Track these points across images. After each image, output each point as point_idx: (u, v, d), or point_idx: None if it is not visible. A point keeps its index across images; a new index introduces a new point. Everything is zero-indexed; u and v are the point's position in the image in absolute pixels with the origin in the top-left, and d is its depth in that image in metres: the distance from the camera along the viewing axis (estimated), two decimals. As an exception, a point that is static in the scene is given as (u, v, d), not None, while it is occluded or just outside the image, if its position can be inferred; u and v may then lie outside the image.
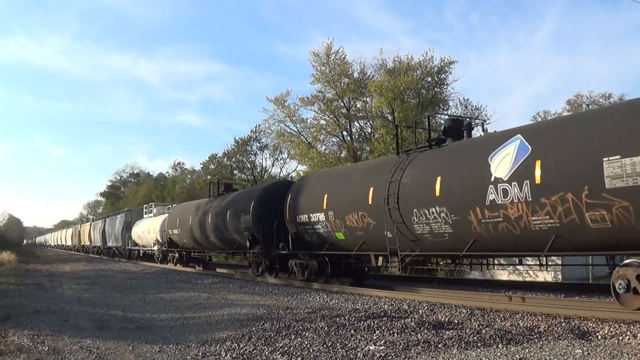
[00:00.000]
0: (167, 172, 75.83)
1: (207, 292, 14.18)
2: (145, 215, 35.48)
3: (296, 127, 33.47)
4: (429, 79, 29.87)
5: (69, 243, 70.62)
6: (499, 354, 5.95)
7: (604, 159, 7.98)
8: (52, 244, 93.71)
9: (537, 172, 8.90)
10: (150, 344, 7.22)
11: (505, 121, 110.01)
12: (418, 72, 29.30)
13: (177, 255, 26.84)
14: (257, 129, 44.31)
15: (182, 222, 24.88)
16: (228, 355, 6.35)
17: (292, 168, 43.82)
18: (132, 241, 34.79)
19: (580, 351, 5.94)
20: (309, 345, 6.67)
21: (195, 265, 25.79)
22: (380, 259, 13.13)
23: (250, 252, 18.21)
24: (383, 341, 6.78)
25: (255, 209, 17.36)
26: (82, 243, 58.22)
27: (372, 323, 8.07)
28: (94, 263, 32.75)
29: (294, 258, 16.19)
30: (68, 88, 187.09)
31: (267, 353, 6.41)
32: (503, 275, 17.67)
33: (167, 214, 29.62)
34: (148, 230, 31.18)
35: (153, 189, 68.64)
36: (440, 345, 6.49)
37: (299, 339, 7.08)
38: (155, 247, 28.96)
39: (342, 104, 31.35)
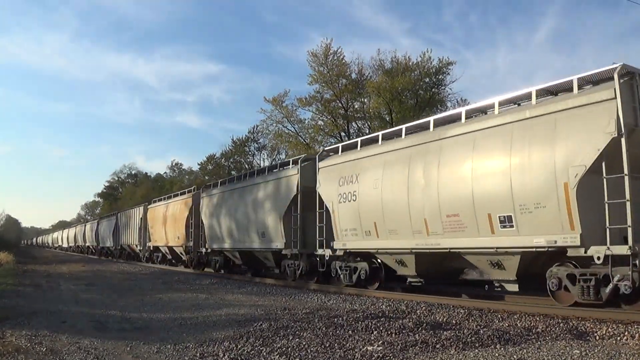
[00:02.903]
0: (165, 172, 76.03)
1: (205, 292, 14.17)
2: None
3: (294, 128, 33.51)
4: (427, 79, 29.92)
5: (107, 243, 44.00)
6: (496, 355, 5.96)
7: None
8: (65, 245, 75.03)
9: None
10: (148, 344, 7.21)
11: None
12: (416, 72, 29.36)
13: None
14: (255, 129, 44.44)
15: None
16: (226, 356, 6.34)
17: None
18: None
19: (578, 351, 5.95)
20: (306, 346, 6.67)
21: None
22: None
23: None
24: (381, 342, 6.78)
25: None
26: (151, 243, 29.57)
27: (369, 323, 8.07)
28: (91, 264, 32.71)
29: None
30: (66, 88, 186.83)
31: (264, 353, 6.41)
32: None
33: None
34: None
35: (151, 189, 68.49)
36: (438, 346, 6.49)
37: (297, 340, 7.07)
38: None
39: (340, 104, 31.38)
